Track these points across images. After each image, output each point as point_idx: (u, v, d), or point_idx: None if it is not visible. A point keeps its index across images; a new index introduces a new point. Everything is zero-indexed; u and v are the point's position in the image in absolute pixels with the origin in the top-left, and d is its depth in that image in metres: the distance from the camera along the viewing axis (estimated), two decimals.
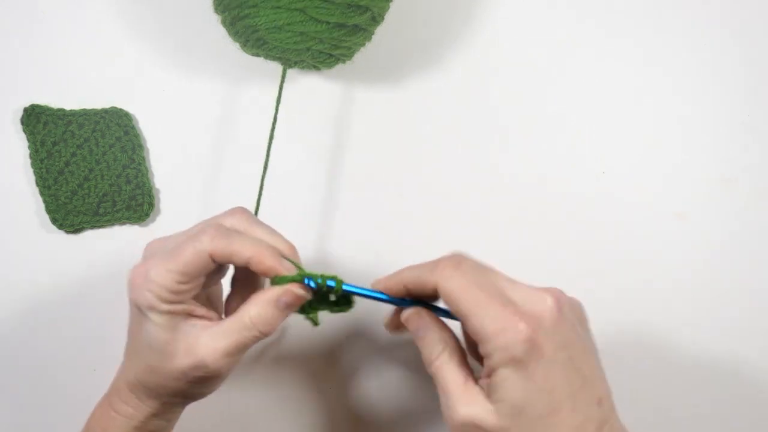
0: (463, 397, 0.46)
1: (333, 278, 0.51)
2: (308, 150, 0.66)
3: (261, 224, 0.52)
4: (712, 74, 0.67)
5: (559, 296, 0.47)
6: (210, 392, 0.53)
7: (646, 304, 0.65)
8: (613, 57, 0.67)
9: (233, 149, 0.66)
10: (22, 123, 0.65)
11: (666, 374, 0.65)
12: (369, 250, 0.65)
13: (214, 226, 0.50)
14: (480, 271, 0.47)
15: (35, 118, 0.65)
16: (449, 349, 0.48)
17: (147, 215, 0.65)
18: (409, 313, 0.50)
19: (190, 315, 0.50)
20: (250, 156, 0.66)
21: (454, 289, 0.46)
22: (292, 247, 0.52)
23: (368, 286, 0.51)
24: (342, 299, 0.52)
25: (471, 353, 0.50)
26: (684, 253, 0.65)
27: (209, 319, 0.51)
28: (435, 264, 0.48)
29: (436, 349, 0.48)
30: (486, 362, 0.45)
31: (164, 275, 0.48)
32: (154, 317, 0.49)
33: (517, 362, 0.44)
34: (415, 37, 0.67)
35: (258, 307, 0.50)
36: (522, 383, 0.44)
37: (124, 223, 0.65)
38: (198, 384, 0.51)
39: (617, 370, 0.64)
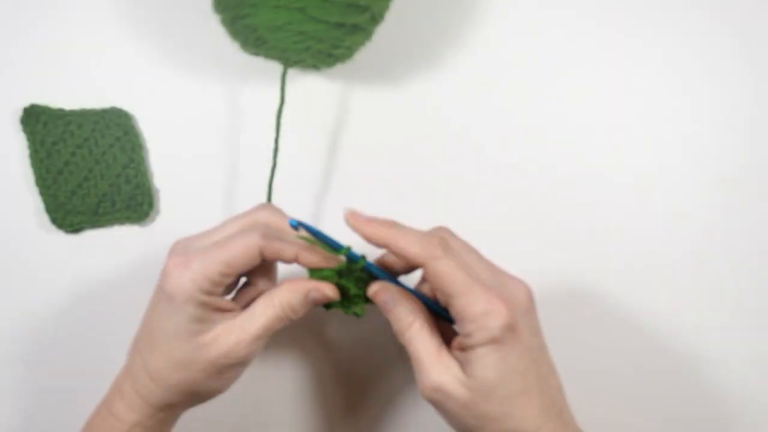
0: (436, 365, 0.49)
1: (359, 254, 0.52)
2: (308, 149, 0.66)
3: (291, 217, 0.54)
4: (713, 74, 0.67)
5: (529, 287, 0.50)
6: (226, 388, 0.53)
7: (646, 303, 0.65)
8: (614, 57, 0.67)
9: (233, 149, 0.66)
10: (22, 123, 0.65)
11: (666, 374, 0.65)
12: (367, 251, 0.65)
13: (255, 222, 0.52)
14: (465, 254, 0.50)
15: (35, 118, 0.65)
16: (420, 320, 0.50)
17: (146, 215, 0.65)
18: (376, 288, 0.52)
19: (220, 308, 0.51)
20: (250, 155, 0.66)
21: (443, 270, 0.48)
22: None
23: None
24: (358, 299, 0.54)
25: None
26: (684, 253, 0.65)
27: (234, 311, 0.52)
28: (424, 242, 0.49)
29: (407, 319, 0.50)
30: (463, 340, 0.48)
31: (209, 266, 0.50)
32: (190, 308, 0.50)
33: (496, 343, 0.46)
34: (415, 37, 0.67)
35: (290, 294, 0.52)
36: (497, 363, 0.47)
37: (123, 223, 0.65)
38: (223, 375, 0.51)
39: (617, 369, 0.65)
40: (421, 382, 0.49)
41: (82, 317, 0.65)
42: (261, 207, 0.54)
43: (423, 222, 0.65)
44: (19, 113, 0.65)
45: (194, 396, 0.53)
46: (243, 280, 0.55)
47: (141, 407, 0.52)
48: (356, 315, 0.54)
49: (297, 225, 0.51)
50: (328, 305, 0.54)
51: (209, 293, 0.50)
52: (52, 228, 0.65)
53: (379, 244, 0.50)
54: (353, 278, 0.53)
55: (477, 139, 0.66)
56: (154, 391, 0.52)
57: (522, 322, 0.47)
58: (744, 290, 0.65)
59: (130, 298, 0.63)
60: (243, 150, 0.66)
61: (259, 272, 0.54)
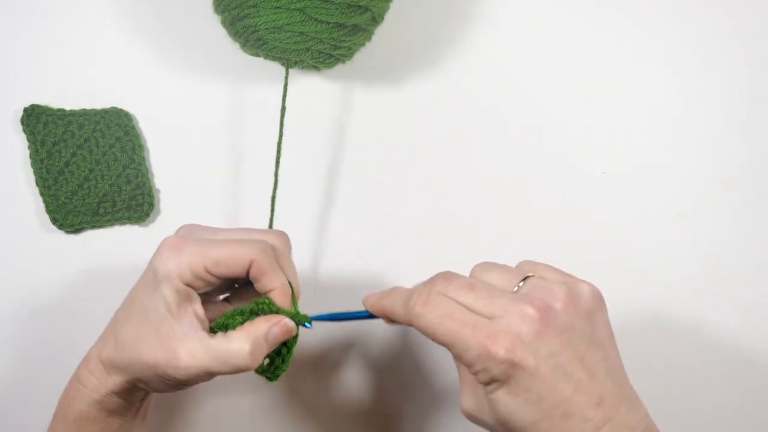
0: (470, 398, 0.49)
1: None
2: (307, 149, 0.66)
3: (292, 259, 0.54)
4: (713, 74, 0.67)
5: (542, 304, 0.46)
6: (172, 391, 0.53)
7: (647, 303, 0.65)
8: (614, 57, 0.67)
9: (233, 149, 0.66)
10: (22, 123, 0.65)
11: (666, 375, 0.65)
12: (367, 250, 0.65)
13: (261, 241, 0.52)
14: (461, 294, 0.48)
15: (35, 118, 0.65)
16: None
17: (147, 215, 0.65)
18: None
19: (194, 311, 0.50)
20: (251, 155, 0.66)
21: (427, 326, 0.47)
22: (299, 294, 0.54)
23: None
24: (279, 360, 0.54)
25: None
26: (684, 253, 0.65)
27: (203, 325, 0.51)
28: (407, 299, 0.49)
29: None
30: (477, 380, 0.47)
31: (197, 256, 0.50)
32: (165, 289, 0.49)
33: (499, 382, 0.46)
34: (415, 37, 0.67)
35: (249, 345, 0.50)
36: (507, 399, 0.46)
37: (124, 223, 0.65)
38: (163, 380, 0.50)
39: None
40: (461, 404, 0.50)
41: (82, 317, 0.64)
42: (276, 233, 0.55)
43: (422, 222, 0.66)
44: (20, 113, 0.65)
45: (146, 383, 0.52)
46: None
47: (102, 375, 0.52)
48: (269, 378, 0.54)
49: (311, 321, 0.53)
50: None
51: (188, 283, 0.50)
52: (53, 228, 0.65)
53: (380, 315, 0.52)
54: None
55: (476, 140, 0.66)
56: (113, 362, 0.51)
57: (525, 350, 0.45)
58: (744, 290, 0.65)
59: None
60: (243, 150, 0.66)
61: (239, 297, 0.54)
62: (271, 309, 0.51)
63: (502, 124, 0.67)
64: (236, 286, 0.55)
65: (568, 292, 0.47)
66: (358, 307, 0.53)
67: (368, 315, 0.52)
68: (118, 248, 0.65)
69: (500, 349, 0.45)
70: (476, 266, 0.51)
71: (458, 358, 0.47)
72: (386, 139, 0.66)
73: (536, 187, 0.66)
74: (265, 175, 0.64)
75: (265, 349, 0.50)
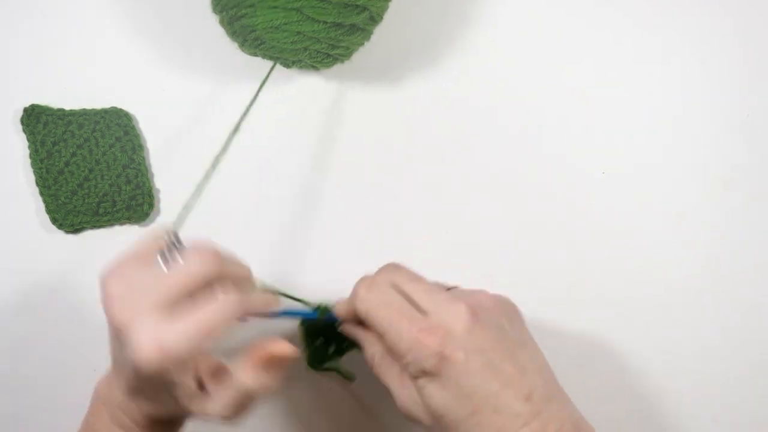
0: (401, 393, 0.50)
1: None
2: (306, 149, 0.66)
3: (230, 260, 0.50)
4: (712, 73, 0.67)
5: (474, 303, 0.49)
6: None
7: (647, 303, 0.65)
8: (612, 56, 0.67)
9: (233, 149, 0.66)
10: (22, 123, 0.65)
11: (666, 374, 0.65)
12: (365, 251, 0.65)
13: (206, 273, 0.47)
14: (405, 283, 0.50)
15: (35, 118, 0.65)
16: (379, 352, 0.52)
17: (147, 215, 0.65)
18: (342, 327, 0.55)
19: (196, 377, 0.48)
20: (251, 155, 0.66)
21: (367, 310, 0.50)
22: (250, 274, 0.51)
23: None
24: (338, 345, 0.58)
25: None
26: (684, 253, 0.65)
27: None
28: (354, 289, 0.52)
29: (369, 352, 0.52)
30: (406, 371, 0.49)
31: (184, 347, 0.44)
32: (154, 377, 0.46)
33: (429, 375, 0.47)
34: (414, 37, 0.67)
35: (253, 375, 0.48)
36: (438, 392, 0.48)
37: (124, 223, 0.65)
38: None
39: (617, 369, 0.65)
40: (398, 407, 0.51)
41: (82, 317, 0.65)
42: (199, 256, 0.47)
43: (420, 222, 0.66)
44: (20, 113, 0.65)
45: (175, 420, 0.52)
46: None
47: (126, 424, 0.52)
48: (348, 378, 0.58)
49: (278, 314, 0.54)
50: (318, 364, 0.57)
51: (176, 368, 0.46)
52: (53, 228, 0.65)
53: (345, 318, 0.54)
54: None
55: (475, 140, 0.66)
56: (135, 409, 0.51)
57: (456, 346, 0.47)
58: (744, 290, 0.65)
59: None
60: (243, 150, 0.66)
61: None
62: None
63: (501, 124, 0.67)
64: None
65: (491, 297, 0.51)
66: None
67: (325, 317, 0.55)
68: (118, 248, 0.65)
69: (432, 343, 0.47)
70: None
71: (391, 347, 0.49)
72: (385, 139, 0.66)
73: (536, 187, 0.66)
74: (265, 175, 0.64)
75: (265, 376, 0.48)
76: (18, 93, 0.65)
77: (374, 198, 0.66)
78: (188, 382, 0.47)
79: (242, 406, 0.48)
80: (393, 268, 0.52)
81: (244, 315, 0.47)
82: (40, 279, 0.65)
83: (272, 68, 0.61)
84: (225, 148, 0.59)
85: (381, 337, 0.50)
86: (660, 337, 0.65)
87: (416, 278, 0.51)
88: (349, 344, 0.59)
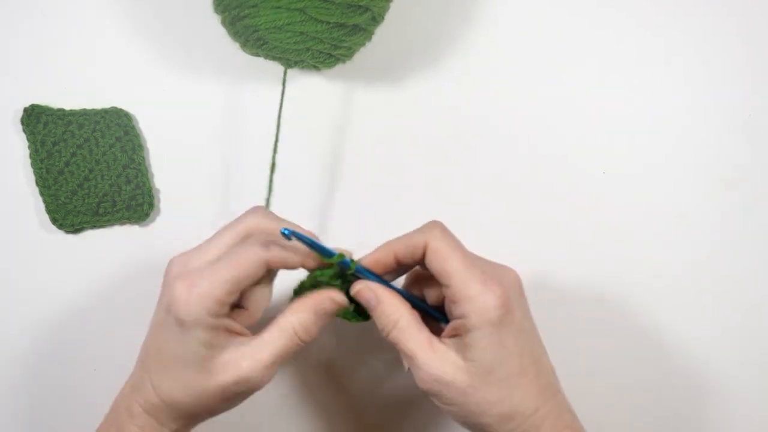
0: (432, 357, 0.49)
1: (350, 259, 0.52)
2: (307, 149, 0.66)
3: (284, 220, 0.53)
4: (714, 73, 0.67)
5: (517, 273, 0.51)
6: (236, 405, 0.52)
7: (647, 303, 0.65)
8: (614, 56, 0.67)
9: (233, 149, 0.66)
10: (22, 123, 0.65)
11: (666, 374, 0.65)
12: (366, 250, 0.65)
13: (249, 230, 0.51)
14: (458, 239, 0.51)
15: (35, 118, 0.65)
16: (406, 317, 0.50)
17: (147, 215, 0.65)
18: (359, 286, 0.52)
19: (230, 331, 0.50)
20: (251, 155, 0.66)
21: (444, 247, 0.49)
22: (315, 236, 0.53)
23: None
24: (362, 311, 0.53)
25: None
26: (684, 253, 0.66)
27: (245, 335, 0.50)
28: (423, 227, 0.51)
29: (392, 316, 0.50)
30: (459, 322, 0.48)
31: (217, 286, 0.48)
32: (200, 333, 0.48)
33: (492, 324, 0.47)
34: (415, 37, 0.67)
35: (300, 316, 0.50)
36: (495, 345, 0.47)
37: (124, 223, 0.65)
38: (235, 399, 0.50)
39: (617, 369, 0.65)
40: (418, 376, 0.49)
41: (82, 317, 0.64)
42: (253, 212, 0.53)
43: (422, 220, 0.65)
44: (20, 113, 0.65)
45: (206, 414, 0.52)
46: None
47: (152, 427, 0.51)
48: (361, 320, 0.53)
49: (289, 234, 0.50)
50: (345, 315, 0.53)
51: (218, 315, 0.48)
52: (53, 228, 0.65)
53: (390, 261, 0.52)
54: (348, 285, 0.53)
55: (476, 140, 0.66)
56: (165, 411, 0.50)
57: (516, 304, 0.48)
58: (744, 290, 0.65)
59: (130, 299, 0.64)
60: (243, 150, 0.66)
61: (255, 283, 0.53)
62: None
63: (502, 124, 0.67)
64: None
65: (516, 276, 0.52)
66: None
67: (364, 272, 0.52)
68: (118, 248, 0.65)
69: (502, 292, 0.47)
70: None
71: (457, 291, 0.48)
72: (386, 139, 0.66)
73: (537, 186, 0.66)
74: (264, 175, 0.64)
75: (314, 323, 0.50)
76: (18, 93, 0.65)
77: (375, 197, 0.66)
78: (229, 326, 0.49)
79: (284, 354, 0.50)
80: (444, 226, 0.52)
81: (270, 260, 0.50)
82: (39, 279, 0.64)
83: (285, 73, 0.61)
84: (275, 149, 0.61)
85: (445, 278, 0.49)
86: (660, 337, 0.65)
87: (464, 245, 0.51)
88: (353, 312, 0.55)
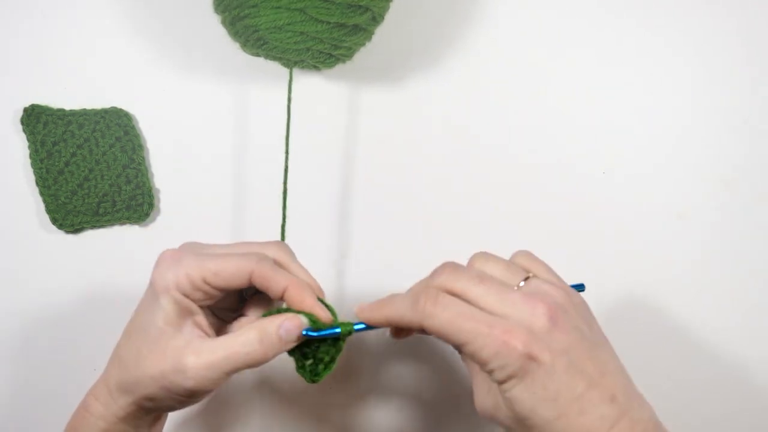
0: (485, 396, 0.49)
1: (349, 324, 0.50)
2: (307, 149, 0.66)
3: (298, 263, 0.53)
4: (713, 74, 0.67)
5: (552, 302, 0.47)
6: (181, 407, 0.52)
7: (647, 303, 0.65)
8: (614, 56, 0.68)
9: (233, 149, 0.66)
10: (22, 123, 0.65)
11: (666, 375, 0.65)
12: (366, 250, 0.65)
13: (260, 253, 0.51)
14: (471, 287, 0.47)
15: (35, 118, 0.65)
16: None
17: (147, 215, 0.65)
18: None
19: (195, 322, 0.50)
20: (251, 155, 0.66)
21: (440, 326, 0.46)
22: (322, 291, 0.53)
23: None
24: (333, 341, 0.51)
25: None
26: (684, 253, 0.66)
27: (208, 335, 0.50)
28: (414, 300, 0.48)
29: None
30: (490, 377, 0.46)
31: (195, 268, 0.50)
32: (164, 302, 0.49)
33: (517, 377, 0.45)
34: (416, 37, 0.67)
35: (255, 332, 0.49)
36: (523, 395, 0.45)
37: (124, 223, 0.65)
38: (171, 392, 0.49)
39: None
40: (476, 404, 0.50)
41: (82, 317, 0.65)
42: (275, 243, 0.54)
43: (424, 222, 0.66)
44: (20, 113, 0.65)
45: (146, 400, 0.50)
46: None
47: (107, 401, 0.51)
48: (312, 380, 0.52)
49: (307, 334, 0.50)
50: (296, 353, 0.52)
51: (186, 294, 0.50)
52: (53, 228, 0.65)
53: (382, 325, 0.50)
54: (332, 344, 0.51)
55: (477, 140, 0.67)
56: (116, 377, 0.51)
57: (540, 345, 0.45)
58: (744, 290, 0.65)
59: (130, 298, 0.64)
60: (243, 150, 0.66)
61: (253, 305, 0.53)
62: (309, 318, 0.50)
63: (502, 124, 0.67)
64: (245, 298, 0.55)
65: (565, 294, 0.48)
66: (350, 317, 0.52)
67: (365, 327, 0.50)
68: (118, 248, 0.65)
69: (518, 344, 0.45)
70: (475, 256, 0.50)
71: (472, 356, 0.46)
72: (387, 139, 0.66)
73: (537, 186, 0.66)
74: (264, 175, 0.64)
75: (275, 342, 0.49)
76: (18, 93, 0.65)
77: (375, 197, 0.66)
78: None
79: (232, 363, 0.49)
80: (452, 270, 0.48)
81: (254, 272, 0.50)
82: (39, 279, 0.65)
83: (291, 74, 0.61)
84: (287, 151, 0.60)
85: (458, 348, 0.47)
86: (660, 336, 0.65)
87: (482, 278, 0.48)
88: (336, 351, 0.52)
